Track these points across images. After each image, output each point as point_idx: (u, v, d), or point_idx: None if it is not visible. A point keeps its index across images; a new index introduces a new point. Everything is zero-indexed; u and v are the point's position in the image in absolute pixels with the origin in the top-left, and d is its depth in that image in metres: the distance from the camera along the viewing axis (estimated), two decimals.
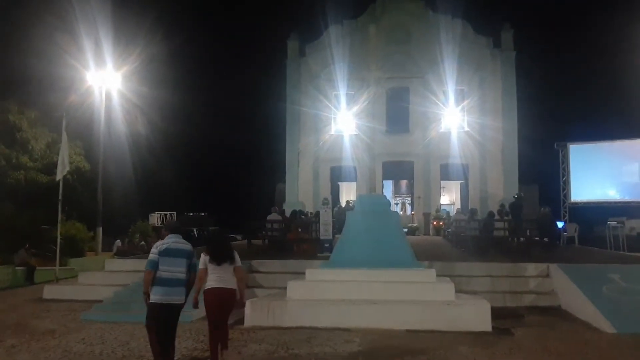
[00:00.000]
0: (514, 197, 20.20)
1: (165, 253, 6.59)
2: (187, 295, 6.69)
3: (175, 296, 6.52)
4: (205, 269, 6.82)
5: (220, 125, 40.89)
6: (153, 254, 6.61)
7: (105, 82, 22.98)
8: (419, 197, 31.33)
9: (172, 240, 6.74)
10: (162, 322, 6.46)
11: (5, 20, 25.09)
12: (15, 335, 9.23)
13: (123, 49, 25.74)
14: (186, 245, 6.83)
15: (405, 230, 24.71)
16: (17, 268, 17.74)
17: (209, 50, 40.88)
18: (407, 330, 9.17)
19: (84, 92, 23.56)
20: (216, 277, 6.77)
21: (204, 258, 6.88)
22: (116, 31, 25.90)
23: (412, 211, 32.39)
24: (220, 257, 6.84)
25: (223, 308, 6.78)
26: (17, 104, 25.41)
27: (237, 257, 7.01)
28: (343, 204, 27.82)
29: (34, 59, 23.85)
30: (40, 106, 25.56)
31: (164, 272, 6.51)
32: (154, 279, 6.49)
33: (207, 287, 6.78)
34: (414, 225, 29.87)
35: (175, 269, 6.56)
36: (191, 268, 6.76)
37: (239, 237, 29.65)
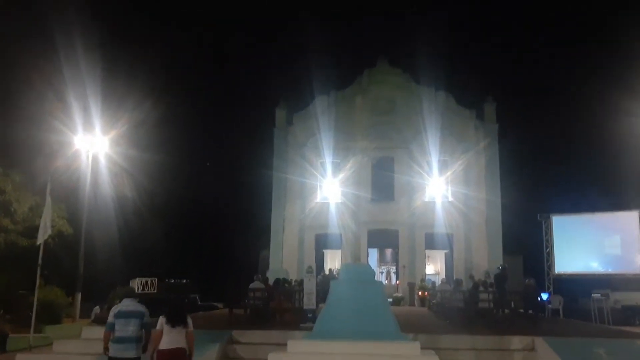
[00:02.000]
0: (498, 268, 20.23)
1: (119, 315, 8.02)
2: (143, 349, 8.01)
3: (129, 351, 7.89)
4: (162, 330, 7.74)
5: (206, 190, 40.96)
6: (110, 317, 8.08)
7: (92, 146, 23.14)
8: (404, 267, 31.21)
9: (125, 304, 8.16)
10: None
11: None
12: None
13: (112, 113, 26.07)
14: (139, 307, 8.19)
15: (390, 300, 24.49)
16: None
17: (198, 115, 41.53)
18: None
19: (71, 156, 23.64)
20: (169, 339, 7.71)
21: (161, 320, 7.81)
22: (106, 96, 26.31)
23: (397, 280, 32.17)
24: (175, 320, 7.78)
25: None
26: (2, 167, 25.34)
27: (190, 322, 7.95)
28: (327, 272, 27.62)
29: (21, 123, 24.03)
30: (26, 169, 25.51)
31: (119, 331, 7.93)
32: (112, 337, 7.95)
33: (160, 348, 7.68)
34: (399, 295, 29.61)
35: (128, 329, 7.95)
36: (144, 326, 8.05)
37: (219, 306, 29.12)
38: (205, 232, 42.86)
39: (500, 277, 18.65)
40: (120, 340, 7.89)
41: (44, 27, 28.45)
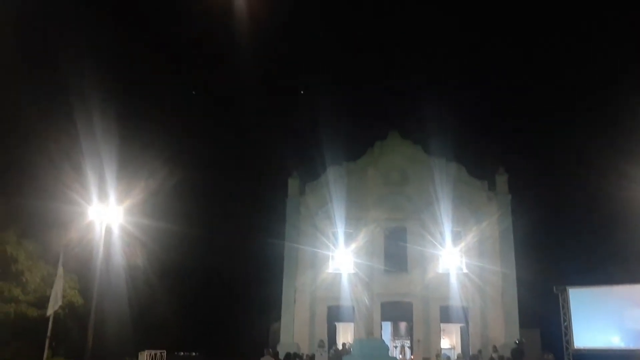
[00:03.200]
0: (515, 342, 19.76)
1: None
2: None
3: None
4: None
5: (217, 260, 40.83)
6: None
7: (106, 216, 23.35)
8: (419, 341, 30.46)
9: None
10: None
11: (8, 154, 26.03)
12: None
13: (127, 183, 26.41)
14: None
15: None
16: None
17: (211, 184, 41.95)
18: None
19: (85, 227, 23.83)
20: None
21: None
22: (121, 165, 26.76)
23: (411, 355, 31.29)
24: None
25: None
26: (16, 235, 25.58)
27: None
28: (339, 346, 27.01)
29: (36, 193, 24.43)
30: (40, 239, 25.72)
31: None
32: None
33: None
34: None
35: None
36: None
37: None
38: (216, 303, 42.34)
39: (518, 352, 18.16)
40: None
41: (61, 99, 29.42)
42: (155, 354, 28.92)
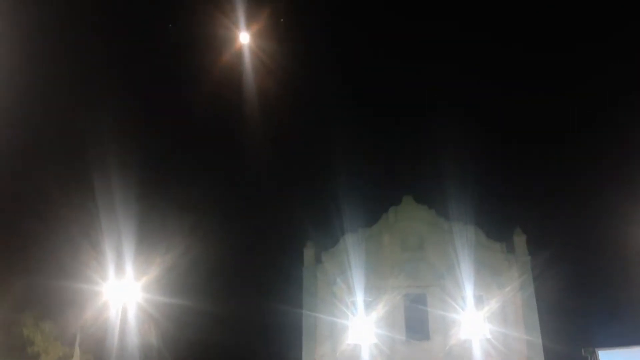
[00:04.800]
0: None
1: None
2: None
3: None
4: None
5: (234, 334, 40.14)
6: None
7: (123, 295, 23.32)
8: None
9: None
10: None
11: (28, 232, 26.25)
12: None
13: (144, 259, 26.47)
14: None
15: None
16: None
17: (227, 256, 41.80)
18: None
19: (101, 306, 23.78)
20: None
21: None
22: (138, 241, 26.88)
23: None
24: None
25: None
26: (33, 317, 25.52)
27: None
28: None
29: (55, 273, 24.53)
30: (57, 319, 25.64)
31: None
32: None
33: None
34: None
35: None
36: None
37: None
38: None
39: None
40: None
41: (80, 174, 29.91)
42: None
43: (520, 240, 31.57)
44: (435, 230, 32.21)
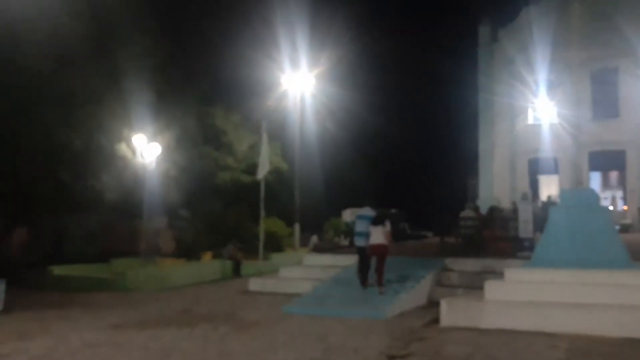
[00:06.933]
0: None
1: (358, 217, 12.40)
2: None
3: (361, 242, 11.71)
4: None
5: (407, 119, 40.58)
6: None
7: (299, 84, 23.91)
8: (633, 191, 27.76)
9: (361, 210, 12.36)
10: (359, 256, 11.87)
11: (214, 27, 27.03)
12: (227, 323, 9.84)
13: (315, 52, 26.51)
14: (370, 212, 12.03)
15: (617, 227, 21.97)
16: (226, 261, 19.16)
17: (396, 44, 40.70)
18: (624, 338, 8.00)
19: (280, 96, 24.73)
20: (375, 236, 11.35)
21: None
22: (310, 35, 26.75)
23: (624, 206, 28.82)
24: (377, 222, 11.52)
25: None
26: (222, 109, 27.51)
27: (388, 224, 11.53)
28: (543, 198, 25.62)
29: (238, 64, 25.51)
30: (242, 110, 27.37)
31: (357, 227, 12.05)
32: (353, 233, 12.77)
33: (370, 243, 11.39)
34: (627, 222, 26.48)
35: (362, 226, 11.72)
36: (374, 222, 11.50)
37: (428, 235, 28.97)
38: (410, 163, 42.78)
39: None
40: (357, 234, 11.98)
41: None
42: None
43: None
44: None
